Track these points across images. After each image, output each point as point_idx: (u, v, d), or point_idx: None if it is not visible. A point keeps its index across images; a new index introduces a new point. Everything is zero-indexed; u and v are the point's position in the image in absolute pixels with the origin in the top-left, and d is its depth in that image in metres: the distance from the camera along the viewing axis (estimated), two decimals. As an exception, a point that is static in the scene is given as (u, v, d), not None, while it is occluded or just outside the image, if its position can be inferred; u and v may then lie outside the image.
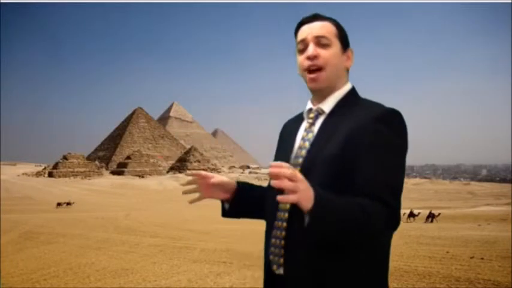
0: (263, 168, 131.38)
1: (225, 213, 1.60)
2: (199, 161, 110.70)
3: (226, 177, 1.55)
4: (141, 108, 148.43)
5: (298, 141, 1.44)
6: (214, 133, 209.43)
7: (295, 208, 1.23)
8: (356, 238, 1.25)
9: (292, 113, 1.61)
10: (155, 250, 10.28)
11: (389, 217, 1.24)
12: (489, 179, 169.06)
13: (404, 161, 1.31)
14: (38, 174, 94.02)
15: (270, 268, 1.42)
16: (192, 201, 1.57)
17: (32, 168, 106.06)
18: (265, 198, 1.50)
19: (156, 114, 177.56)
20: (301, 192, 1.16)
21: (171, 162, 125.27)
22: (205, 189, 1.53)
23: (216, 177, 1.54)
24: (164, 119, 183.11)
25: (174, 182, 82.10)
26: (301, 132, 1.45)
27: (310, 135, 1.41)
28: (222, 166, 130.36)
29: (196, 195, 1.55)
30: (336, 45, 1.41)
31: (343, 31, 1.45)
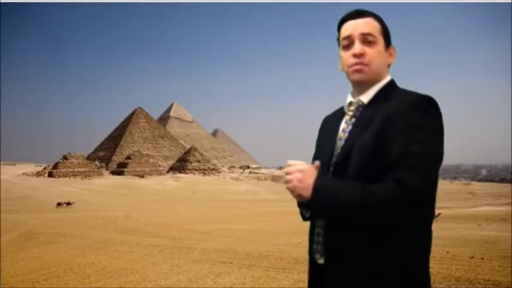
0: (263, 168, 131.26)
1: (306, 218, 1.55)
2: (199, 161, 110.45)
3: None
4: (141, 108, 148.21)
5: (339, 133, 1.48)
6: (214, 133, 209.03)
7: None
8: (362, 217, 1.26)
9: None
10: (155, 250, 10.27)
11: (405, 196, 1.21)
12: (489, 179, 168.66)
13: (437, 146, 1.30)
14: (38, 174, 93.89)
15: (314, 258, 1.48)
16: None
17: (32, 168, 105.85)
18: None
19: (156, 114, 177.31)
20: (299, 183, 1.32)
21: (171, 162, 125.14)
22: None
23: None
24: (164, 119, 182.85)
25: (174, 182, 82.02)
26: (342, 125, 1.50)
27: (350, 127, 1.46)
28: (222, 166, 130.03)
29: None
30: (381, 43, 1.44)
31: (386, 28, 1.47)
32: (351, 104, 1.50)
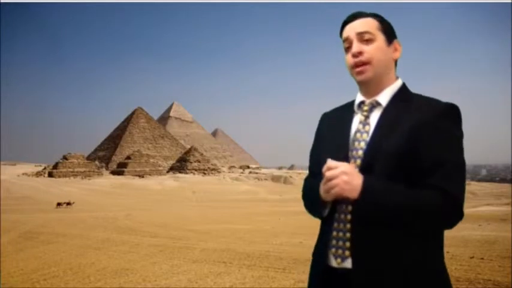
0: (263, 168, 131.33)
1: (322, 216, 1.48)
2: (199, 161, 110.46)
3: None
4: (141, 108, 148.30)
5: (352, 133, 1.43)
6: (214, 133, 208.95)
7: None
8: (413, 225, 1.29)
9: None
10: (155, 250, 10.27)
11: (453, 206, 1.26)
12: (489, 179, 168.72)
13: (463, 154, 1.35)
14: (38, 174, 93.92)
15: (328, 263, 1.40)
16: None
17: (32, 168, 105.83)
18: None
19: (156, 114, 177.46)
20: (346, 186, 1.27)
21: (171, 162, 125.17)
22: None
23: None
24: (164, 119, 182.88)
25: (174, 182, 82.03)
26: (354, 125, 1.44)
27: (367, 128, 1.41)
28: (222, 166, 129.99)
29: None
30: (380, 39, 1.42)
31: (386, 24, 1.46)
32: (363, 103, 1.45)
